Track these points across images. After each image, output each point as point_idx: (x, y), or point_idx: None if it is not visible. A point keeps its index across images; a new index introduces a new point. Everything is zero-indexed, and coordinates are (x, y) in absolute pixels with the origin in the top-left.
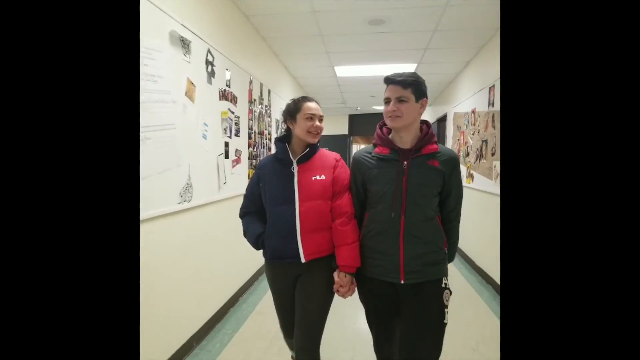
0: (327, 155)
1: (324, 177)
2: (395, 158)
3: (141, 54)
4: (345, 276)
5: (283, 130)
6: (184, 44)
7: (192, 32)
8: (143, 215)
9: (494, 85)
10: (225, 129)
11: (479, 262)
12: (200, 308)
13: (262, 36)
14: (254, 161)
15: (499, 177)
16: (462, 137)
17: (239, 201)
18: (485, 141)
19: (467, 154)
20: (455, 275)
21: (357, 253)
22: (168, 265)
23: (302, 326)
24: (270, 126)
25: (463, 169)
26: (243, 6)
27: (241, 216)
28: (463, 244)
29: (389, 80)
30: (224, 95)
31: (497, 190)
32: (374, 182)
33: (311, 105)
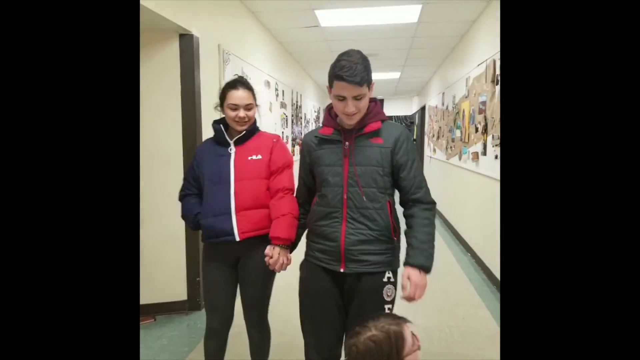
0: (266, 136)
1: (260, 157)
2: (338, 138)
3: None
4: (275, 248)
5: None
6: (269, 85)
7: (271, 77)
8: None
9: (444, 92)
10: (282, 125)
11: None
12: None
13: (296, 60)
14: (294, 141)
15: (444, 149)
16: (432, 123)
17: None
18: (440, 127)
19: (433, 135)
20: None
21: (288, 225)
22: None
23: (249, 305)
24: (301, 117)
25: (431, 145)
26: (289, 48)
27: (180, 199)
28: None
29: (342, 79)
30: (282, 105)
31: (444, 157)
32: (317, 164)
33: (235, 94)
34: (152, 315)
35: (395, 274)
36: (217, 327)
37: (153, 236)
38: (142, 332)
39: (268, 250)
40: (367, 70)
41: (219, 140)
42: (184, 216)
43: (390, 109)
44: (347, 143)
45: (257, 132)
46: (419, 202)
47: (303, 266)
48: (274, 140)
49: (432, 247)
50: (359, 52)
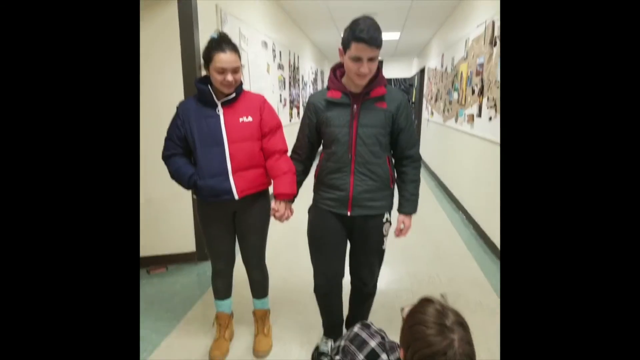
0: (253, 97)
1: (250, 119)
2: (347, 102)
3: (253, 54)
4: (280, 203)
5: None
6: (266, 45)
7: (268, 37)
8: None
9: (443, 54)
10: (279, 87)
11: (432, 167)
12: None
13: (294, 20)
14: (291, 104)
15: (441, 112)
16: (430, 86)
17: (287, 127)
18: (439, 89)
19: (431, 98)
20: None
21: (291, 182)
22: None
23: (250, 253)
24: (299, 79)
25: (429, 108)
26: (287, 8)
27: (165, 158)
28: (426, 156)
29: (363, 41)
30: (279, 67)
31: (441, 120)
32: (327, 124)
33: (222, 57)
34: (163, 265)
35: (390, 214)
36: (223, 268)
37: (161, 192)
38: (155, 280)
39: (275, 205)
40: (381, 34)
41: (205, 101)
42: (175, 176)
43: (390, 71)
44: (355, 106)
45: (242, 92)
46: (411, 159)
47: (311, 211)
48: (262, 101)
49: (418, 197)
50: (371, 17)
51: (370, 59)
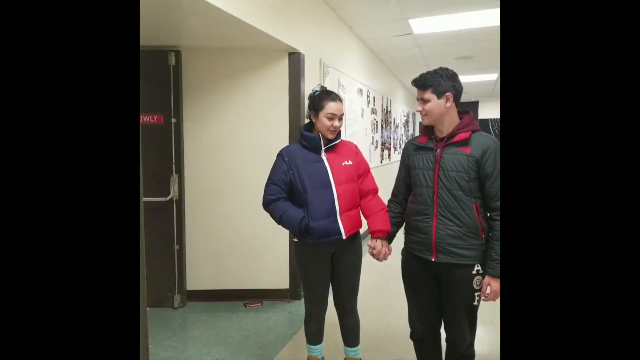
0: (347, 143)
1: (350, 163)
2: (431, 146)
3: (349, 100)
4: (377, 240)
5: (307, 118)
6: (361, 92)
7: (363, 84)
8: None
9: None
10: (372, 130)
11: None
12: None
13: (387, 67)
14: (383, 146)
15: None
16: None
17: (378, 168)
18: None
19: None
20: None
21: (385, 219)
22: None
23: (346, 294)
24: (391, 122)
25: None
26: (382, 56)
27: (270, 202)
28: None
29: (414, 84)
30: (372, 111)
31: None
32: (413, 167)
33: (333, 105)
34: (259, 299)
35: (483, 265)
36: (317, 313)
37: (262, 228)
38: (252, 314)
39: (371, 242)
40: (435, 79)
41: (310, 147)
42: (285, 220)
43: (486, 112)
44: (437, 150)
45: (339, 139)
46: (499, 212)
47: (403, 253)
48: (355, 147)
49: None
50: (447, 68)
51: (423, 99)
